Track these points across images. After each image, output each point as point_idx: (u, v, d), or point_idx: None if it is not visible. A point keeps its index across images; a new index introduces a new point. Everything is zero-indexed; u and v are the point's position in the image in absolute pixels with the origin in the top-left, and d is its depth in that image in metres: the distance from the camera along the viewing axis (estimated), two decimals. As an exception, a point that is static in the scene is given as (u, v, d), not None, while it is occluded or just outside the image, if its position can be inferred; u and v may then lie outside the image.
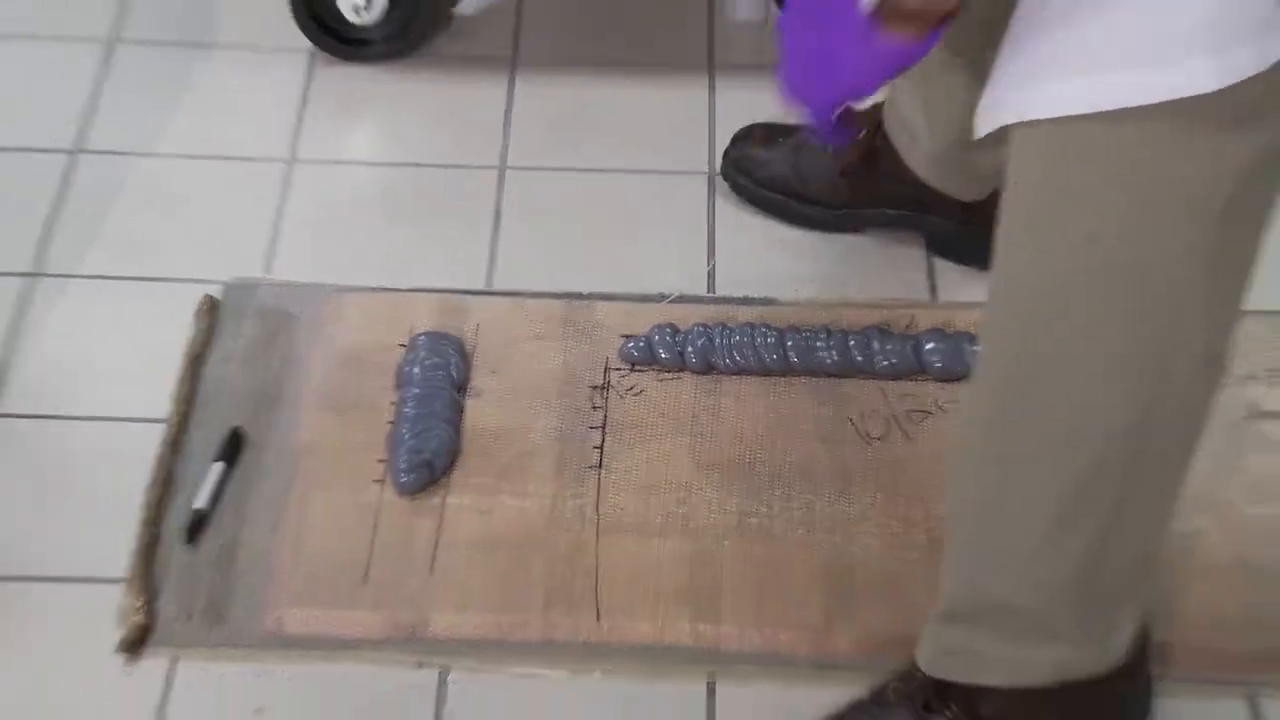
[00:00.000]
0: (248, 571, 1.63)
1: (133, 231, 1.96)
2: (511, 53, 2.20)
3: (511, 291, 1.91)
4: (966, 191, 1.86)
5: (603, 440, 1.76)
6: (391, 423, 1.74)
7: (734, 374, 1.82)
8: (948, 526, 1.44)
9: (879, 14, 1.33)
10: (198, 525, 1.66)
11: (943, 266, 1.94)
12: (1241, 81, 1.12)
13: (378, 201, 2.05)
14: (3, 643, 1.59)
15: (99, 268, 1.92)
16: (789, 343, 1.81)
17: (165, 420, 1.75)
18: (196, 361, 1.81)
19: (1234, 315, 1.31)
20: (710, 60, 2.20)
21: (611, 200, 2.03)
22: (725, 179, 2.03)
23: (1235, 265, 1.27)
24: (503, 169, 2.06)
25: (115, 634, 1.58)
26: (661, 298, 1.90)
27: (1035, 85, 1.22)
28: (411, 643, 1.59)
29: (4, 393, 1.79)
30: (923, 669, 1.47)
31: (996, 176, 1.30)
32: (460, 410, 1.77)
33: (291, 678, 1.56)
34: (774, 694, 1.56)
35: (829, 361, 1.81)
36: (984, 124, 1.26)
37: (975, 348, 1.69)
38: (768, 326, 1.83)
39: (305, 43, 2.16)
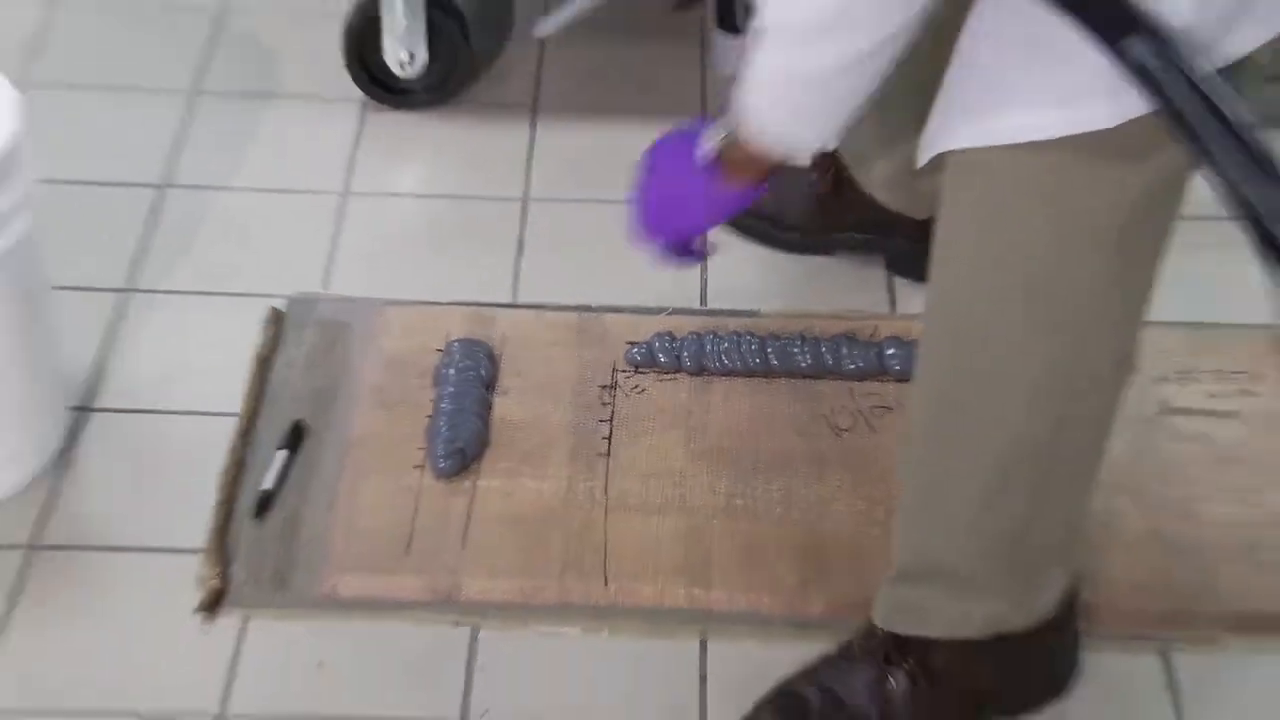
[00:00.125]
0: (308, 543, 1.62)
1: (210, 254, 1.96)
2: (533, 101, 2.19)
3: (533, 305, 1.90)
4: (918, 210, 1.83)
5: (610, 432, 1.74)
6: (430, 416, 1.73)
7: (723, 375, 1.81)
8: (901, 502, 1.43)
9: (715, 167, 1.35)
10: (265, 504, 1.65)
11: (901, 283, 1.93)
12: (1131, 120, 1.11)
13: (419, 228, 2.04)
14: (100, 603, 1.59)
15: (182, 284, 1.92)
16: (769, 348, 1.81)
17: (237, 414, 1.74)
18: (264, 364, 1.80)
19: (1139, 323, 1.31)
20: (703, 106, 2.19)
21: (618, 227, 1.96)
22: None
23: (1137, 281, 1.27)
24: (525, 200, 2.05)
25: (194, 597, 1.57)
26: (661, 310, 1.89)
27: (963, 121, 1.21)
28: (447, 605, 1.58)
29: (103, 391, 1.78)
30: (878, 624, 1.46)
31: (939, 197, 1.29)
32: (489, 406, 1.76)
33: (346, 635, 1.56)
34: (757, 649, 1.55)
35: (804, 364, 1.80)
36: (923, 155, 1.26)
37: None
38: (751, 334, 1.82)
39: (358, 93, 2.15)
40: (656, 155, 1.45)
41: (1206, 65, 1.05)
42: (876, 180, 1.87)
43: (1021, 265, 1.23)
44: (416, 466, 1.69)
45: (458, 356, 1.79)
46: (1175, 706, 1.53)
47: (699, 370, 1.81)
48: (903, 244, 1.89)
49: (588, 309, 1.89)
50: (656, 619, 1.58)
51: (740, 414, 1.77)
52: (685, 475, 1.70)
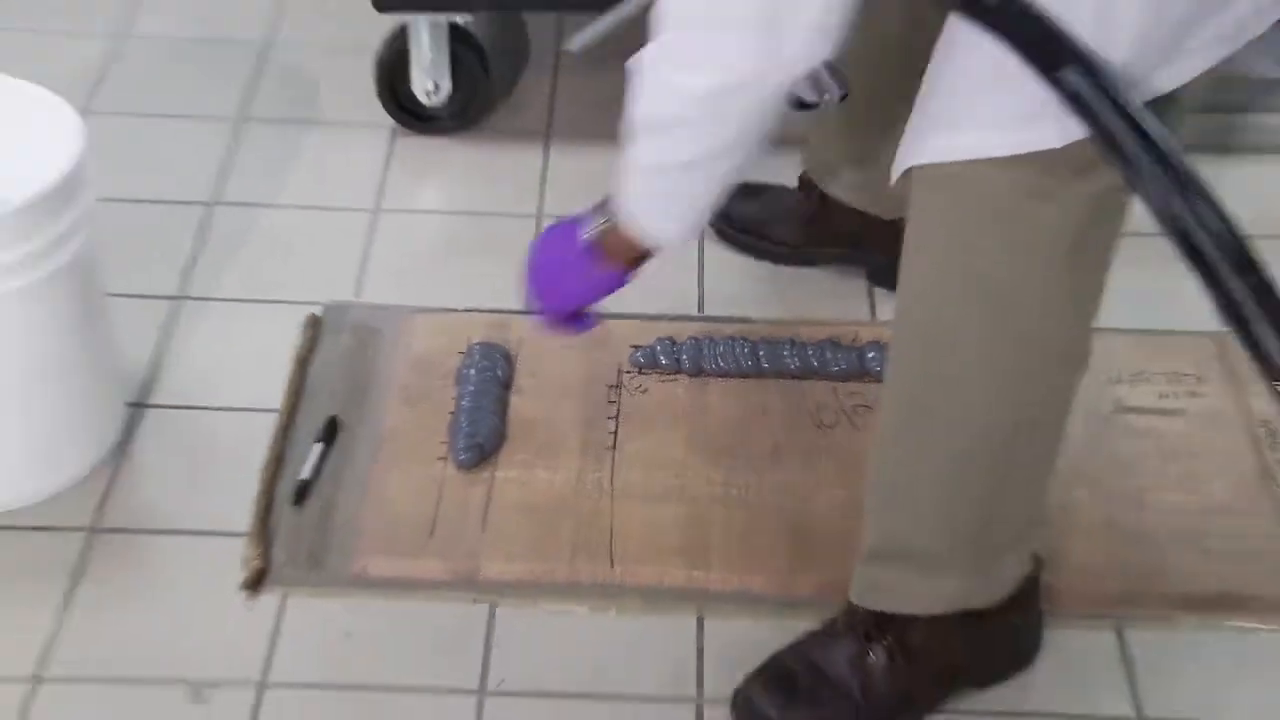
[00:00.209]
0: (341, 528, 1.61)
1: (254, 265, 1.95)
2: (547, 127, 2.18)
3: (546, 311, 1.88)
4: (884, 211, 1.82)
5: (616, 427, 1.73)
6: (452, 413, 1.72)
7: (719, 376, 1.79)
8: (870, 489, 1.41)
9: (595, 250, 1.35)
10: (303, 492, 1.64)
11: (880, 293, 1.91)
12: (1078, 141, 1.10)
13: (443, 242, 2.03)
14: (153, 581, 1.57)
15: (228, 293, 1.90)
16: (761, 352, 1.79)
17: (278, 411, 1.73)
18: (302, 365, 1.79)
19: (1090, 324, 1.29)
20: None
21: None
22: (711, 226, 2.00)
23: (1088, 284, 1.26)
24: (539, 217, 2.03)
25: (239, 576, 1.56)
26: (662, 316, 1.87)
27: (930, 138, 1.20)
28: (467, 584, 1.56)
29: (157, 389, 1.77)
30: (854, 601, 1.44)
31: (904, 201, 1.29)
32: (506, 404, 1.74)
33: (374, 611, 1.54)
34: (749, 626, 1.53)
35: (792, 366, 1.79)
36: (896, 170, 1.25)
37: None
38: (744, 339, 1.81)
39: (388, 120, 2.14)
40: (546, 237, 1.45)
41: (1137, 96, 1.04)
42: (844, 186, 1.86)
43: (979, 271, 1.22)
44: (440, 458, 1.68)
45: (477, 358, 1.77)
46: (1129, 678, 1.51)
47: (697, 371, 1.79)
48: (881, 258, 1.87)
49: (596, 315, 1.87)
50: (658, 598, 1.56)
51: (735, 411, 1.75)
52: (684, 467, 1.68)
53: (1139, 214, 1.08)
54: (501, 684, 1.48)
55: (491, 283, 1.89)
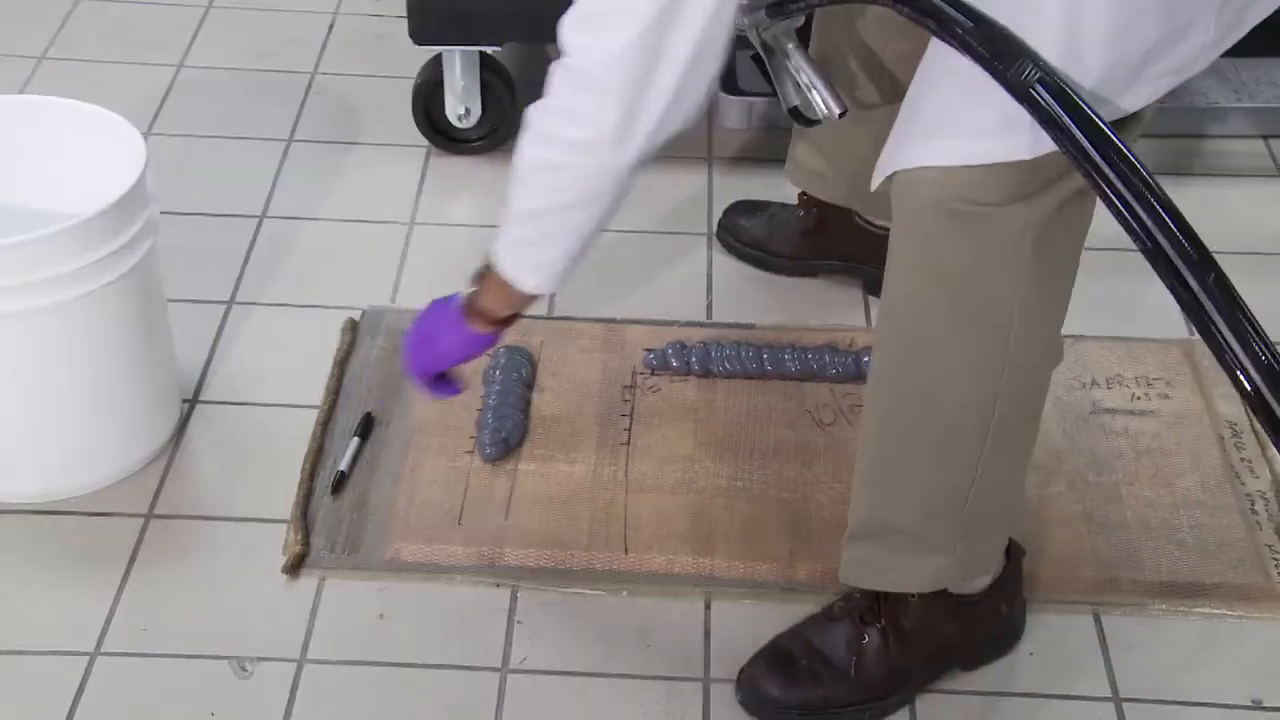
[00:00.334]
0: (375, 515, 1.57)
1: (299, 272, 1.91)
2: (569, 149, 2.14)
3: (566, 317, 1.84)
4: (879, 213, 1.78)
5: (630, 424, 1.69)
6: (479, 410, 1.68)
7: (725, 378, 1.75)
8: (856, 472, 1.37)
9: (465, 311, 1.36)
10: (340, 482, 1.60)
11: (875, 302, 1.87)
12: (1047, 154, 1.09)
13: (472, 252, 1.89)
14: (201, 564, 1.54)
15: (275, 298, 1.87)
16: (765, 355, 1.75)
17: (318, 407, 1.69)
18: (342, 365, 1.75)
19: (1061, 316, 1.27)
20: (709, 154, 2.14)
21: (638, 253, 1.97)
22: (719, 239, 1.97)
23: (1056, 279, 1.23)
24: (562, 230, 1.99)
25: (280, 560, 1.52)
26: (674, 322, 1.84)
27: (910, 146, 1.17)
28: (492, 569, 1.52)
29: (208, 386, 1.74)
30: (840, 580, 1.41)
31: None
32: (528, 402, 1.70)
33: (405, 593, 1.50)
34: (753, 610, 1.50)
35: (793, 369, 1.75)
36: (877, 176, 1.22)
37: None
38: (749, 344, 1.77)
39: (423, 141, 2.11)
40: (428, 309, 1.45)
41: (1101, 115, 1.02)
42: (834, 190, 1.82)
43: (949, 270, 1.19)
44: (467, 452, 1.64)
45: (503, 360, 1.73)
46: (1105, 659, 1.47)
47: (705, 373, 1.75)
48: (876, 270, 1.82)
49: (612, 321, 1.83)
50: (668, 583, 1.52)
51: (740, 410, 1.71)
52: (693, 461, 1.64)
53: (1113, 229, 1.05)
54: (523, 662, 1.44)
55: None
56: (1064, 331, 1.79)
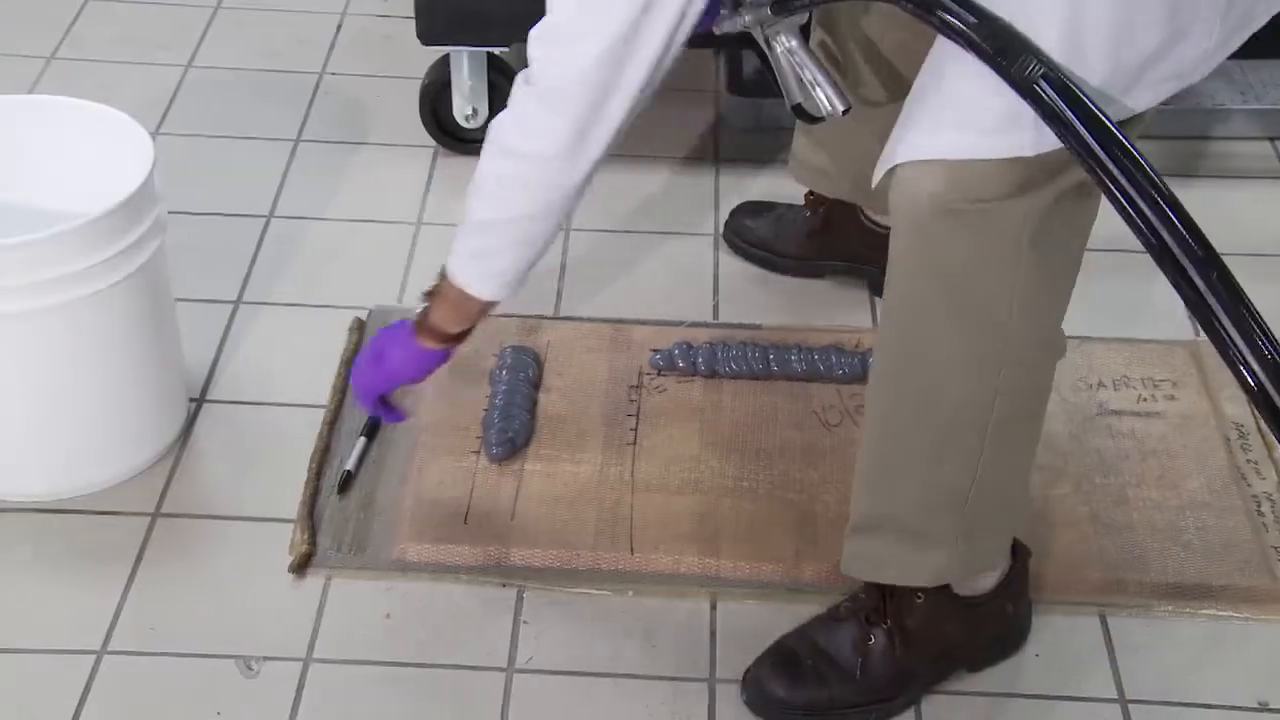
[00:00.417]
0: (381, 515, 1.56)
1: (306, 272, 1.91)
2: (576, 149, 2.14)
3: (573, 317, 1.84)
4: (885, 209, 1.78)
5: (637, 424, 1.68)
6: (486, 410, 1.68)
7: (731, 378, 1.74)
8: (858, 466, 1.36)
9: (416, 328, 1.39)
10: (347, 482, 1.59)
11: (880, 302, 1.85)
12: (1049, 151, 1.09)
13: None
14: (208, 563, 1.54)
15: (282, 297, 1.86)
16: (771, 356, 1.75)
17: (325, 406, 1.69)
18: (348, 364, 1.73)
19: (1060, 310, 1.26)
20: (716, 157, 2.14)
21: (646, 253, 1.97)
22: (725, 239, 1.97)
23: (1056, 272, 1.22)
24: (568, 231, 1.98)
25: (287, 560, 1.52)
26: (680, 323, 1.83)
27: (907, 139, 1.17)
28: (498, 569, 1.52)
29: (215, 386, 1.73)
30: (842, 571, 1.41)
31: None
32: (535, 402, 1.70)
33: (412, 593, 1.50)
34: (758, 610, 1.49)
35: (799, 370, 1.74)
36: (878, 172, 1.21)
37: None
38: (755, 344, 1.76)
39: (430, 141, 2.11)
40: (379, 333, 1.48)
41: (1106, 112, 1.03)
42: (839, 187, 1.81)
43: (946, 263, 1.18)
44: (474, 452, 1.63)
45: (509, 360, 1.73)
46: (1111, 661, 1.46)
47: (711, 374, 1.74)
48: (882, 271, 1.81)
49: (619, 321, 1.83)
50: (674, 583, 1.51)
51: (746, 411, 1.70)
52: (699, 461, 1.63)
53: (1119, 230, 1.05)
54: (529, 662, 1.44)
55: (523, 290, 1.85)
56: (1071, 332, 1.79)
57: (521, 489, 1.60)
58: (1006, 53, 1.03)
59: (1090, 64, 1.07)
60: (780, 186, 1.96)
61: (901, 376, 1.27)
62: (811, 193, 1.90)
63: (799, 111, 1.40)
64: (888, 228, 1.23)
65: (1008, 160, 1.12)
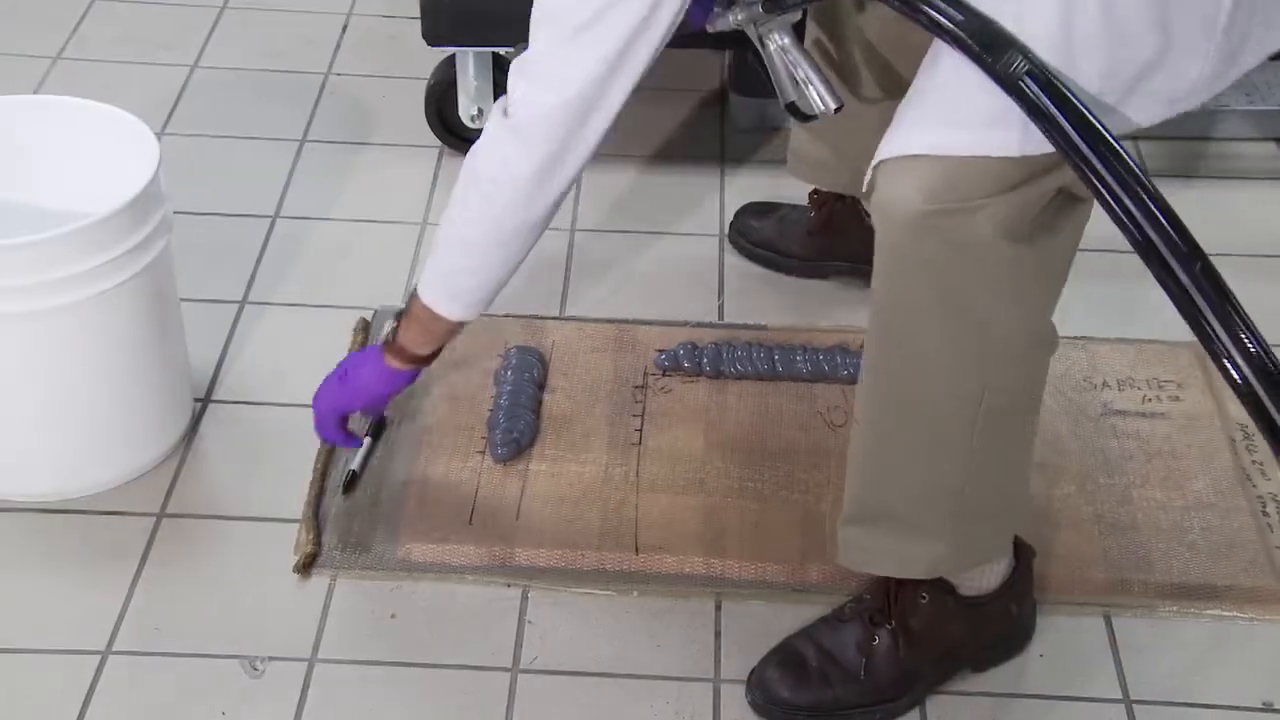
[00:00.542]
0: (386, 515, 1.56)
1: (311, 272, 1.91)
2: (581, 150, 2.14)
3: (578, 317, 1.84)
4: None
5: (642, 425, 1.68)
6: (490, 410, 1.67)
7: (736, 379, 1.74)
8: (850, 456, 1.36)
9: (384, 347, 1.45)
10: (352, 482, 1.59)
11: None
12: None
13: None
14: (213, 563, 1.53)
15: (287, 298, 1.86)
16: (776, 356, 1.74)
17: (331, 406, 1.68)
18: (354, 365, 1.74)
19: (1048, 307, 1.25)
20: (722, 156, 2.13)
21: (651, 253, 1.97)
22: (730, 240, 1.97)
23: (1041, 273, 1.21)
24: (573, 231, 1.98)
25: (292, 560, 1.51)
26: (685, 323, 1.83)
27: (896, 135, 1.17)
28: (503, 569, 1.51)
29: (221, 386, 1.73)
30: (838, 561, 1.40)
31: None
32: (540, 402, 1.70)
33: (417, 593, 1.50)
34: (763, 610, 1.49)
35: (804, 370, 1.74)
36: (869, 173, 1.20)
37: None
38: (760, 344, 1.76)
39: (435, 141, 2.10)
40: (351, 356, 1.53)
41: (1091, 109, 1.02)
42: (840, 179, 1.80)
43: (929, 261, 1.17)
44: (478, 452, 1.63)
45: (514, 360, 1.72)
46: (1116, 661, 1.46)
47: (717, 374, 1.74)
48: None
49: (624, 322, 1.82)
50: (679, 583, 1.51)
51: (751, 411, 1.70)
52: (704, 462, 1.63)
53: (1119, 231, 1.04)
54: (533, 662, 1.43)
55: (527, 291, 1.85)
56: (1075, 333, 1.78)
57: (526, 489, 1.59)
58: (992, 49, 1.03)
59: (1081, 69, 1.07)
60: (785, 187, 1.95)
61: (888, 371, 1.27)
62: (815, 192, 1.90)
63: (793, 110, 1.40)
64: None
65: (995, 159, 1.12)
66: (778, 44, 1.36)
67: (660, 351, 1.76)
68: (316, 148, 2.12)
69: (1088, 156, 1.00)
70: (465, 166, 1.32)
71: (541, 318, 1.82)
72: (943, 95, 1.14)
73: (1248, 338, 0.95)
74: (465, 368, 1.74)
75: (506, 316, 1.81)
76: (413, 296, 1.41)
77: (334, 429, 1.52)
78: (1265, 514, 1.60)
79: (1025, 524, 1.44)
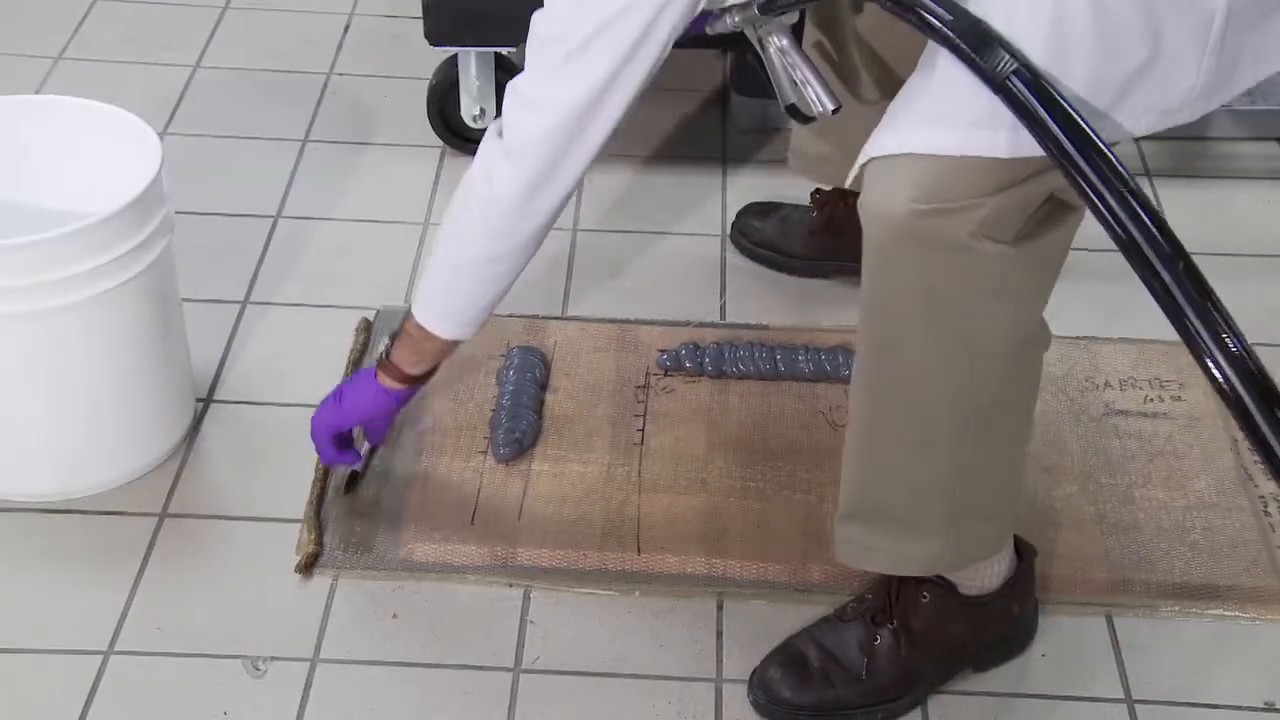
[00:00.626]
0: (388, 515, 1.56)
1: (313, 272, 1.90)
2: (583, 150, 2.14)
3: (580, 317, 1.84)
4: None
5: (644, 425, 1.67)
6: (493, 410, 1.67)
7: (738, 378, 1.74)
8: (845, 454, 1.35)
9: (378, 366, 1.46)
10: (353, 482, 1.59)
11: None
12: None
13: None
14: (215, 563, 1.53)
15: (289, 298, 1.86)
16: (778, 356, 1.74)
17: (333, 406, 1.68)
18: (356, 364, 1.74)
19: (1037, 306, 1.25)
20: (724, 156, 2.13)
21: (652, 253, 1.96)
22: (732, 240, 1.97)
23: (1029, 273, 1.21)
24: (575, 231, 1.98)
25: (294, 559, 1.51)
26: (687, 323, 1.82)
27: (883, 135, 1.16)
28: (505, 569, 1.51)
29: (223, 386, 1.73)
30: (835, 558, 1.40)
31: None
32: (542, 402, 1.69)
33: (418, 592, 1.49)
34: (765, 610, 1.49)
35: (807, 370, 1.74)
36: (853, 170, 1.20)
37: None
38: (763, 344, 1.76)
39: (438, 141, 2.10)
40: (348, 379, 1.55)
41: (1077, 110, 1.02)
42: (843, 176, 1.80)
43: (915, 261, 1.17)
44: (480, 452, 1.63)
45: (516, 360, 1.72)
46: (1118, 661, 1.46)
47: (719, 374, 1.74)
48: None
49: (626, 322, 1.82)
50: (681, 583, 1.50)
51: (753, 411, 1.70)
52: (706, 462, 1.63)
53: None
54: (535, 662, 1.43)
55: (529, 291, 1.85)
56: (1077, 333, 1.78)
57: (528, 489, 1.59)
58: (981, 49, 1.03)
59: (1071, 71, 1.07)
60: (787, 187, 1.95)
61: (878, 370, 1.27)
62: (817, 192, 1.90)
63: (793, 111, 1.40)
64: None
65: (985, 160, 1.11)
66: (777, 46, 1.36)
67: (662, 351, 1.76)
68: (318, 148, 2.12)
69: (1073, 156, 1.00)
70: (460, 186, 1.34)
71: (544, 318, 1.82)
72: (934, 95, 1.14)
73: (1229, 338, 0.95)
74: (468, 367, 1.74)
75: (509, 316, 1.81)
76: (406, 315, 1.42)
77: (329, 448, 1.52)
78: (1267, 514, 1.59)
79: (1024, 523, 1.44)
